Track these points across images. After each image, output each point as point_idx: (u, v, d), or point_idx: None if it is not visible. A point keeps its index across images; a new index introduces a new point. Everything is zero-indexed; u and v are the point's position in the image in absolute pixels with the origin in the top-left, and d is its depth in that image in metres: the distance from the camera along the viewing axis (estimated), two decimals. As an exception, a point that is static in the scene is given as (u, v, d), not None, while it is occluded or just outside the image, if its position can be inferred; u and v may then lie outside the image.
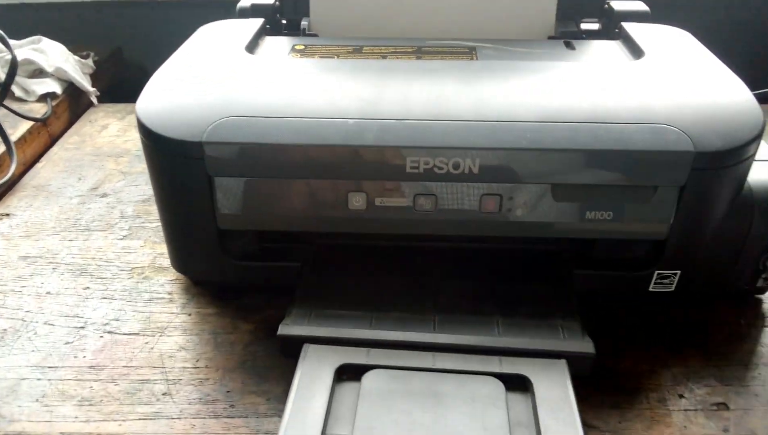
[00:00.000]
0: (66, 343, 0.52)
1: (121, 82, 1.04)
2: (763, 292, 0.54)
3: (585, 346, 0.44)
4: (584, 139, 0.45)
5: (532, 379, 0.42)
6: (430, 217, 0.48)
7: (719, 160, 0.45)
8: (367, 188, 0.48)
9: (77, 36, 1.02)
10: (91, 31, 1.06)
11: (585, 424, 0.44)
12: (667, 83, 0.50)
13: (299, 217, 0.50)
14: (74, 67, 0.91)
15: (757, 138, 0.45)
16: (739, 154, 0.45)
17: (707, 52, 0.56)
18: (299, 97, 0.49)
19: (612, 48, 0.60)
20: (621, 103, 0.47)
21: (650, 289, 0.51)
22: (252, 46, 0.59)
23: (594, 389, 0.46)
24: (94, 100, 0.92)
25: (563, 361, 0.44)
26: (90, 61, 0.95)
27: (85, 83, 0.91)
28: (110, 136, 0.84)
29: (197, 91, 0.50)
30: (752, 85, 0.51)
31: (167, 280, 0.58)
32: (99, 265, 0.60)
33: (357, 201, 0.48)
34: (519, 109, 0.47)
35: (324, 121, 0.47)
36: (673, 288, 0.51)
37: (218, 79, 0.52)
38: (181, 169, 0.49)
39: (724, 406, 0.45)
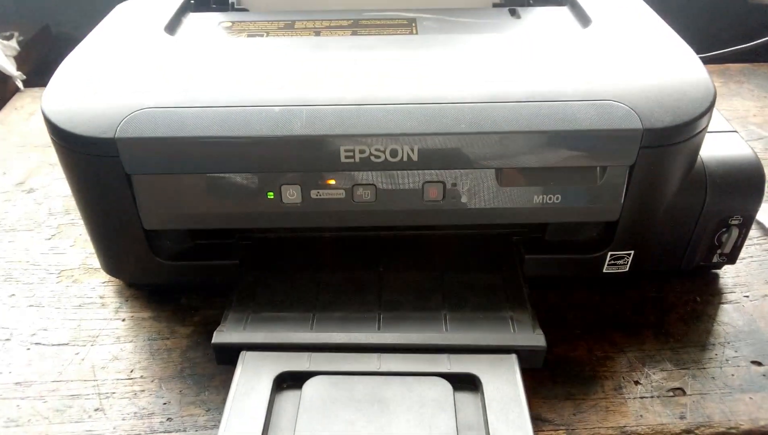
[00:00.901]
0: (-11, 359, 0.48)
1: (50, 62, 0.97)
2: (719, 267, 0.52)
3: (535, 338, 0.42)
4: (526, 121, 0.42)
5: (482, 378, 0.40)
6: (371, 207, 0.45)
7: (669, 137, 0.42)
8: (301, 180, 0.45)
9: (-1, 15, 0.95)
10: (13, 9, 0.99)
11: (539, 419, 0.42)
12: (614, 55, 0.47)
13: (230, 214, 0.46)
14: (-4, 49, 0.85)
15: (707, 111, 0.43)
16: (689, 130, 0.43)
17: (657, 19, 0.53)
18: (221, 83, 0.45)
19: (558, 15, 0.57)
20: (565, 78, 0.45)
21: (604, 270, 0.49)
22: (172, 26, 0.55)
23: (548, 379, 0.45)
24: (20, 84, 0.86)
25: (513, 356, 0.42)
26: (14, 42, 0.89)
27: (9, 67, 0.85)
28: (38, 124, 0.78)
29: (109, 82, 0.46)
30: (703, 46, 0.48)
31: (99, 283, 0.55)
32: (25, 269, 0.56)
33: (291, 194, 0.45)
34: (458, 89, 0.44)
35: (248, 109, 0.43)
36: (627, 269, 0.49)
37: (132, 67, 0.47)
38: (96, 168, 0.45)
39: (680, 391, 0.44)
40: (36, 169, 0.70)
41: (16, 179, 0.68)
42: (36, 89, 0.87)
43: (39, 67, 0.94)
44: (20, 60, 0.88)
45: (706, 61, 0.46)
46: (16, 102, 0.84)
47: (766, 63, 0.86)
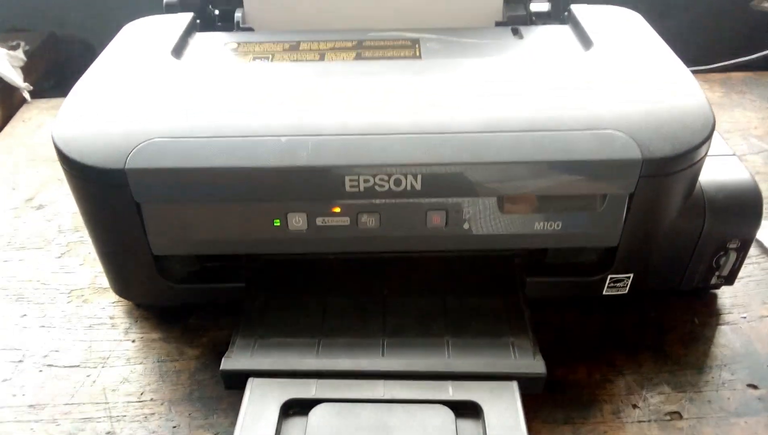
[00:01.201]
0: (4, 380, 0.50)
1: (58, 70, 0.98)
2: (717, 288, 0.53)
3: (536, 366, 0.43)
4: (528, 151, 0.43)
5: (483, 406, 0.41)
6: (375, 234, 0.46)
7: (669, 166, 0.43)
8: (307, 208, 0.45)
9: (2, 23, 0.95)
10: (19, 17, 0.99)
11: (538, 443, 0.43)
12: (615, 81, 0.48)
13: (237, 241, 0.47)
14: (2, 60, 0.85)
15: (706, 140, 0.44)
16: (688, 159, 0.43)
17: (657, 40, 0.54)
18: (228, 111, 0.46)
19: (560, 36, 0.57)
20: (566, 106, 0.45)
21: (604, 292, 0.50)
22: (179, 49, 0.55)
23: (548, 402, 0.46)
24: (27, 96, 0.86)
25: (514, 383, 0.43)
26: (20, 52, 0.90)
27: (16, 78, 0.86)
28: (46, 136, 0.79)
29: (118, 110, 0.47)
30: (706, 54, 0.48)
31: (108, 303, 0.56)
32: (36, 289, 0.58)
33: (297, 221, 0.46)
34: (460, 119, 0.44)
35: (255, 139, 0.44)
36: (626, 291, 0.50)
37: (141, 94, 0.48)
38: (105, 196, 0.45)
39: (677, 415, 0.45)
40: (45, 183, 0.71)
41: (25, 195, 0.69)
42: (43, 100, 0.87)
43: (47, 75, 0.95)
44: (27, 69, 0.89)
45: (708, 72, 0.46)
46: (23, 114, 0.85)
47: (769, 72, 0.86)
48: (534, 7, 0.63)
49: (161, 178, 0.44)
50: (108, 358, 0.51)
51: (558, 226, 0.46)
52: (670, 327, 0.51)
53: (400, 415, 0.41)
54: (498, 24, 0.61)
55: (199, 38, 0.59)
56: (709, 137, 0.44)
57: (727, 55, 0.82)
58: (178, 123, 0.45)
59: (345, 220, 0.46)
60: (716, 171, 0.48)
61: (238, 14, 0.63)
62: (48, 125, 0.81)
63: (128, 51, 0.55)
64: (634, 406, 0.45)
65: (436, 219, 0.46)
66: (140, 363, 0.50)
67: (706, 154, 0.45)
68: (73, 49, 1.02)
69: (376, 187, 0.44)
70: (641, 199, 0.44)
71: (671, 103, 0.45)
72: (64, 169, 0.46)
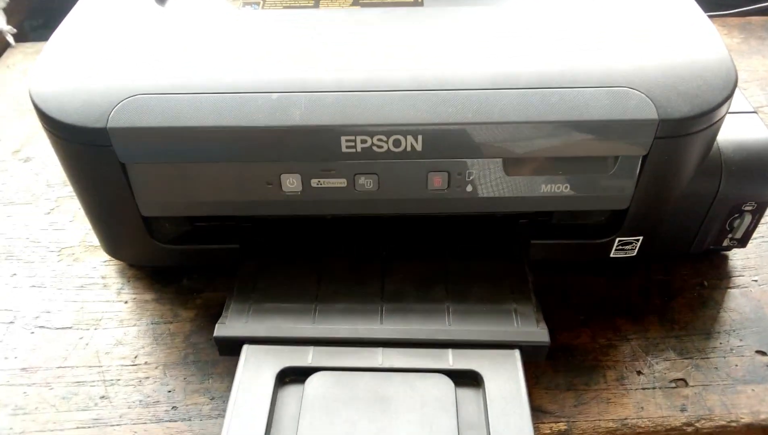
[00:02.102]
0: (-5, 342, 0.49)
1: (46, 8, 0.93)
2: (729, 250, 0.51)
3: (539, 334, 0.42)
4: (536, 110, 0.40)
5: (484, 375, 0.40)
6: (373, 196, 0.44)
7: (686, 127, 0.40)
8: (301, 169, 0.43)
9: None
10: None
11: (540, 410, 0.42)
12: (630, 32, 0.44)
13: (229, 202, 0.45)
14: (-18, 1, 0.81)
15: (727, 99, 0.41)
16: (707, 120, 0.41)
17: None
18: (215, 64, 0.43)
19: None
20: (578, 59, 0.42)
21: (611, 255, 0.48)
22: (164, -6, 0.52)
23: (550, 368, 0.45)
24: (11, 39, 0.82)
25: (516, 352, 0.41)
26: (2, -8, 0.85)
27: (-2, 20, 0.81)
28: (32, 84, 0.76)
29: (99, 63, 0.44)
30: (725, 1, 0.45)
31: (100, 262, 0.54)
32: (26, 247, 0.56)
33: (291, 183, 0.44)
34: (464, 74, 0.41)
35: (245, 96, 0.41)
36: (635, 253, 0.48)
37: (122, 46, 0.45)
38: (89, 157, 0.43)
39: (682, 382, 0.44)
40: (32, 134, 0.68)
41: (11, 147, 0.67)
42: (29, 44, 0.83)
43: (33, 14, 0.91)
44: (10, 11, 0.85)
45: (726, 16, 0.43)
46: (7, 59, 0.81)
47: (791, 15, 0.81)
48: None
49: (146, 137, 0.41)
50: (101, 319, 0.50)
51: (566, 188, 0.44)
52: (678, 290, 0.50)
53: (399, 384, 0.40)
54: (506, -35, 0.57)
55: (186, -19, 0.55)
56: (730, 96, 0.41)
57: (748, 1, 0.77)
58: (163, 77, 0.42)
59: (341, 182, 0.44)
60: (734, 129, 0.45)
61: (227, -46, 0.59)
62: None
63: (108, -2, 0.52)
64: (639, 373, 0.44)
65: (438, 181, 0.43)
66: (134, 325, 0.49)
67: (726, 114, 0.42)
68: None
69: (374, 148, 0.41)
70: (655, 161, 0.42)
71: (690, 57, 0.42)
72: (44, 127, 0.43)
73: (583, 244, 0.48)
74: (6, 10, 0.84)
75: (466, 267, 0.47)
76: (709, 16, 0.46)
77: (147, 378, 0.46)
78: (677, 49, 0.43)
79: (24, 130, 0.69)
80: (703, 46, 0.43)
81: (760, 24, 0.80)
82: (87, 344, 0.48)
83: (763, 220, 0.51)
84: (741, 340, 0.46)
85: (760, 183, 0.45)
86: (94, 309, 0.51)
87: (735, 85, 0.41)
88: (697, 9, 0.47)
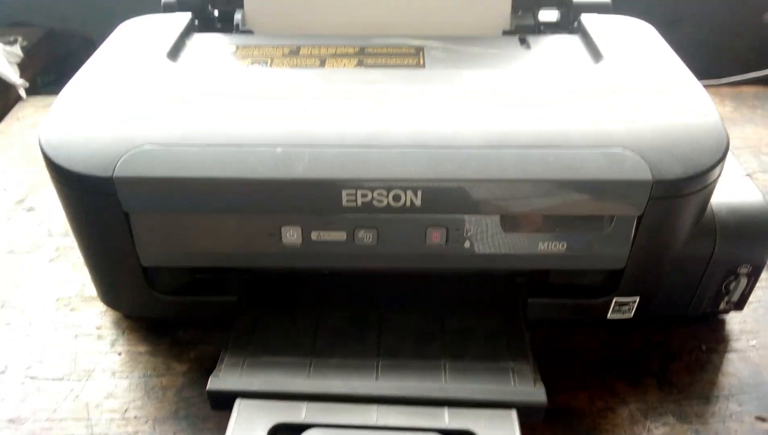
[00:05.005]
0: (-16, 391, 0.48)
1: (58, 65, 0.96)
2: (726, 313, 0.51)
3: (536, 393, 0.41)
4: (533, 168, 0.41)
5: (480, 435, 0.39)
6: (372, 250, 0.44)
7: (680, 188, 0.41)
8: (302, 222, 0.44)
9: (2, 18, 0.94)
10: (19, 12, 0.98)
11: (537, 474, 0.41)
12: (625, 96, 0.46)
13: (229, 254, 0.46)
14: (-2, 57, 0.84)
15: (719, 162, 0.42)
16: (700, 181, 0.41)
17: (670, 52, 0.52)
18: (222, 119, 0.44)
19: (569, 46, 0.55)
20: (574, 121, 0.43)
21: (608, 316, 0.48)
22: (175, 50, 0.53)
23: (548, 430, 0.44)
24: (23, 93, 0.85)
25: (513, 411, 0.41)
26: (17, 48, 0.88)
27: (12, 75, 0.84)
28: (40, 136, 0.77)
29: (108, 115, 0.45)
30: (718, 66, 0.47)
31: (96, 312, 0.54)
32: (23, 296, 0.56)
33: (291, 235, 0.44)
34: (464, 132, 0.43)
35: (249, 149, 0.42)
36: (632, 315, 0.48)
37: (132, 98, 0.46)
38: (93, 205, 0.44)
39: (682, 448, 0.43)
40: (37, 184, 0.69)
41: (16, 196, 0.67)
42: (39, 98, 0.86)
43: (46, 70, 0.93)
44: (24, 65, 0.87)
45: (719, 85, 0.45)
46: (18, 111, 0.83)
47: (781, 86, 0.84)
48: (543, 17, 0.61)
49: (151, 187, 0.42)
50: (93, 370, 0.49)
51: (563, 246, 0.44)
52: (676, 353, 0.49)
53: (394, 443, 0.39)
54: (505, 33, 0.59)
55: (197, 39, 0.57)
56: (722, 159, 0.42)
57: (738, 69, 0.80)
58: (171, 129, 0.43)
59: (341, 235, 0.44)
60: (728, 192, 0.46)
61: (237, 16, 0.61)
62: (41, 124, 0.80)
63: (122, 51, 0.54)
64: (638, 438, 0.43)
65: (436, 236, 0.44)
66: (126, 377, 0.49)
67: (719, 177, 0.43)
68: (73, 44, 1.01)
69: (375, 202, 0.42)
70: (650, 222, 0.42)
71: (684, 121, 0.44)
72: (51, 175, 0.44)
73: (580, 303, 0.48)
74: (20, 65, 0.87)
75: (462, 324, 0.47)
76: (702, 85, 0.48)
77: (136, 433, 0.45)
78: (671, 113, 0.44)
79: (30, 180, 0.69)
80: (695, 110, 0.45)
81: (751, 93, 0.82)
82: (77, 396, 0.47)
83: (759, 285, 0.52)
84: (740, 405, 0.45)
85: (754, 246, 0.45)
86: (87, 360, 0.50)
87: (727, 149, 0.42)
88: (690, 76, 0.49)
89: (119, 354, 0.50)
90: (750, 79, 0.79)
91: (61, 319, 0.53)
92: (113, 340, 0.52)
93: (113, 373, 0.49)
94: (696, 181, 0.41)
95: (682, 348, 0.50)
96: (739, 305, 0.49)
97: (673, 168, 0.41)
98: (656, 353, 0.49)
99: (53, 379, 0.49)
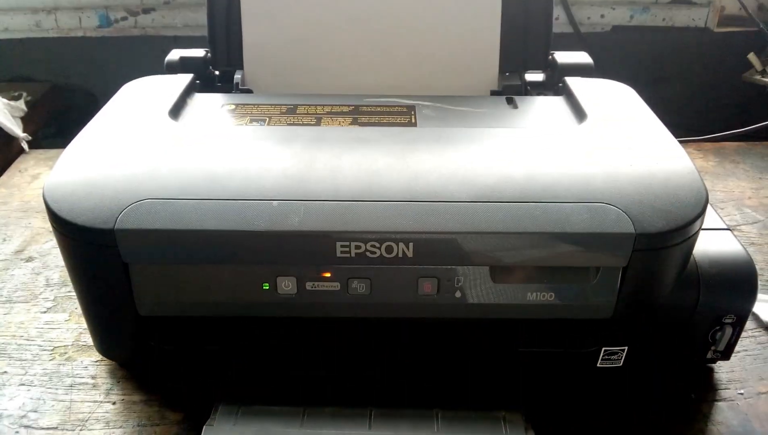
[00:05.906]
0: (-24, 442, 0.48)
1: (60, 119, 0.99)
2: (713, 362, 0.52)
3: (527, 442, 0.42)
4: (520, 222, 0.43)
5: (471, 485, 0.40)
6: (365, 300, 0.46)
7: (662, 241, 0.43)
8: (297, 272, 0.45)
9: (6, 73, 0.97)
10: (23, 68, 1.01)
11: None
12: (608, 155, 0.48)
13: (225, 304, 0.47)
14: (2, 110, 0.86)
15: (699, 215, 0.43)
16: (682, 234, 0.43)
17: (649, 114, 0.55)
18: (221, 175, 0.46)
19: (554, 107, 0.58)
20: (559, 178, 0.45)
21: (598, 365, 0.49)
22: (177, 109, 0.56)
23: (539, 479, 0.44)
24: (25, 146, 0.87)
25: (505, 460, 0.41)
26: (21, 103, 0.91)
27: (15, 128, 0.86)
28: (41, 188, 0.79)
29: (111, 170, 0.47)
30: (699, 122, 0.49)
31: (91, 362, 0.54)
32: (19, 345, 0.56)
33: (286, 285, 0.45)
34: (453, 187, 0.44)
35: (246, 202, 0.44)
36: (620, 364, 0.49)
37: (135, 154, 0.48)
38: (93, 256, 0.45)
39: (671, 502, 0.43)
40: (36, 236, 0.70)
41: (15, 247, 0.69)
42: (41, 151, 0.88)
43: (48, 124, 0.96)
44: (27, 119, 0.90)
45: (702, 141, 0.47)
46: (20, 164, 0.85)
47: (762, 142, 0.87)
48: (529, 77, 0.64)
49: (150, 239, 0.43)
50: (87, 420, 0.49)
51: (551, 297, 0.45)
52: (666, 402, 0.50)
53: (386, 493, 0.40)
54: (493, 93, 0.62)
55: (198, 99, 0.59)
56: (702, 212, 0.44)
57: (721, 126, 0.83)
58: (170, 184, 0.45)
59: (335, 286, 0.45)
60: (710, 244, 0.48)
61: (237, 76, 0.64)
62: (44, 177, 0.82)
63: (126, 109, 0.56)
64: (628, 489, 0.44)
65: (428, 287, 0.45)
66: (120, 427, 0.49)
67: (700, 229, 0.45)
68: (75, 99, 1.04)
69: (368, 254, 0.43)
70: (635, 273, 0.44)
71: (664, 177, 0.46)
72: (53, 227, 0.46)
73: (569, 353, 0.49)
74: (23, 119, 0.89)
75: (455, 371, 0.48)
76: (685, 141, 0.50)
77: (129, 484, 0.45)
78: (652, 170, 0.46)
79: (29, 232, 0.71)
80: (675, 167, 0.47)
81: (733, 149, 0.85)
82: (71, 446, 0.48)
83: (745, 334, 0.53)
84: (730, 454, 0.46)
85: (737, 296, 0.47)
86: (81, 409, 0.50)
87: (706, 203, 0.44)
88: (669, 135, 0.51)
89: (113, 403, 0.51)
90: (732, 135, 0.82)
91: (56, 369, 0.54)
92: (108, 389, 0.52)
93: (107, 423, 0.49)
94: (677, 234, 0.43)
95: (672, 397, 0.50)
96: (726, 355, 0.50)
97: (655, 221, 0.43)
98: (645, 402, 0.50)
99: (47, 429, 0.49)
